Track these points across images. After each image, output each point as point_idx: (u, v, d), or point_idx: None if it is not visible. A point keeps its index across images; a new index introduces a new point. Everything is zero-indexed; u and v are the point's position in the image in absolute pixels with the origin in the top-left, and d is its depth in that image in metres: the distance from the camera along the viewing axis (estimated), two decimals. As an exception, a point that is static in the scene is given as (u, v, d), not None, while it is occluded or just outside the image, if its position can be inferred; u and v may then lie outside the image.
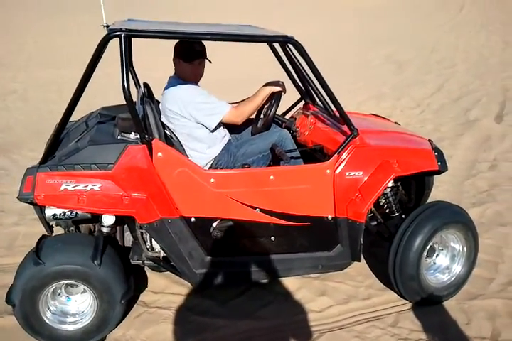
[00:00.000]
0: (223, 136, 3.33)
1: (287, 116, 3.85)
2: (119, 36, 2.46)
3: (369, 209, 3.03)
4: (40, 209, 2.79)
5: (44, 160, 2.69)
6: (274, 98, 3.32)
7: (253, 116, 3.41)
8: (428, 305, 3.18)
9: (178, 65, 3.19)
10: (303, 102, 3.81)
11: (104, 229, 2.87)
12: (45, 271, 2.56)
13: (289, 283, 3.43)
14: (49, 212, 2.78)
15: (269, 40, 3.03)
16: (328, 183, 2.95)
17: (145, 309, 3.15)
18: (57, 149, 2.80)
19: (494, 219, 4.32)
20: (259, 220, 2.91)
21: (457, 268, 3.22)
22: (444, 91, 8.48)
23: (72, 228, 2.95)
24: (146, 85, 3.49)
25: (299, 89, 3.75)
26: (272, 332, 2.96)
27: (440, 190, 4.73)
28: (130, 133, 2.76)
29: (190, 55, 3.12)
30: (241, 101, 3.33)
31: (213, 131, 3.19)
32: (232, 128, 3.42)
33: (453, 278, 3.21)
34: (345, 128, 3.04)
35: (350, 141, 2.96)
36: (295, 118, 3.74)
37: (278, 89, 3.28)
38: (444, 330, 3.00)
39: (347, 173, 2.95)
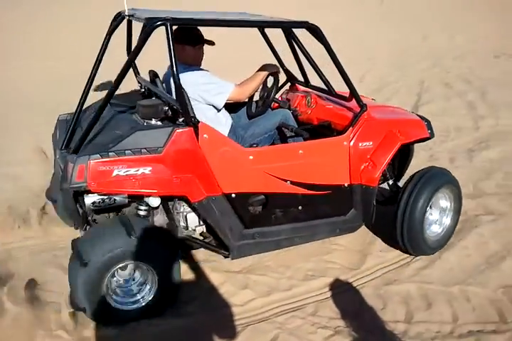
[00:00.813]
0: (227, 117, 3.52)
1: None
2: (165, 25, 2.69)
3: (380, 175, 3.46)
4: (75, 201, 2.88)
5: (77, 149, 2.77)
6: (273, 79, 3.58)
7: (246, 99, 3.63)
8: (427, 255, 3.74)
9: (182, 50, 3.28)
10: (289, 84, 4.19)
11: (142, 213, 3.02)
12: (95, 266, 2.67)
13: (213, 277, 3.45)
14: (88, 200, 2.82)
15: (293, 26, 3.40)
16: (345, 154, 3.37)
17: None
18: (88, 138, 2.83)
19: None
20: (290, 192, 3.25)
21: (447, 221, 3.81)
22: (365, 83, 8.74)
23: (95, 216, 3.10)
24: (154, 73, 3.63)
25: (286, 72, 4.09)
26: (196, 328, 2.96)
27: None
28: (151, 120, 2.91)
29: (194, 40, 3.37)
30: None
31: (219, 111, 3.37)
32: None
33: (444, 230, 3.80)
34: (350, 104, 3.48)
35: (361, 115, 3.36)
36: (289, 99, 4.07)
37: (275, 69, 3.54)
38: (361, 316, 3.13)
39: (360, 144, 3.38)
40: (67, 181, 2.67)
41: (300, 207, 3.33)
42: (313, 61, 3.68)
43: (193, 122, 2.82)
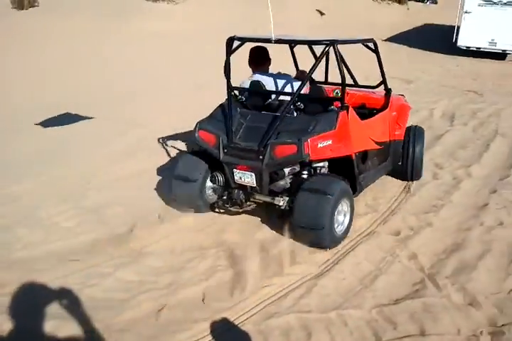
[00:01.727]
0: None
1: None
2: (333, 44, 4.31)
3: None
4: (261, 176, 4.23)
5: (264, 139, 4.14)
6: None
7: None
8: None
9: (265, 65, 5.05)
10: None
11: (305, 176, 4.48)
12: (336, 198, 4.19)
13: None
14: (286, 170, 4.34)
15: (358, 41, 4.99)
16: (389, 121, 5.22)
17: None
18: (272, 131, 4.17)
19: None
20: (373, 148, 4.95)
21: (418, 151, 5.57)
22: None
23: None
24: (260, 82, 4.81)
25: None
26: None
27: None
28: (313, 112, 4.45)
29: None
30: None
31: None
32: None
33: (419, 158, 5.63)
34: (372, 92, 5.59)
35: (390, 96, 5.29)
36: None
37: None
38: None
39: (393, 113, 5.30)
40: (298, 155, 4.03)
41: (375, 158, 5.05)
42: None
43: (346, 107, 4.36)
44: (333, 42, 4.28)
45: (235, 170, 4.34)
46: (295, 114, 4.55)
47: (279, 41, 4.41)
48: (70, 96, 10.36)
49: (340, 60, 4.42)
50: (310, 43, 5.14)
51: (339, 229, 4.36)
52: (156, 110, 9.08)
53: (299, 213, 4.13)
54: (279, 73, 5.08)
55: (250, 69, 5.13)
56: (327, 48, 4.43)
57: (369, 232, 4.67)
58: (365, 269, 4.07)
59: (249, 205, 4.68)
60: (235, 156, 4.27)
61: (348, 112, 4.34)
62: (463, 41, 16.40)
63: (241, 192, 4.47)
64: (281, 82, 4.88)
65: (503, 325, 3.39)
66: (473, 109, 9.24)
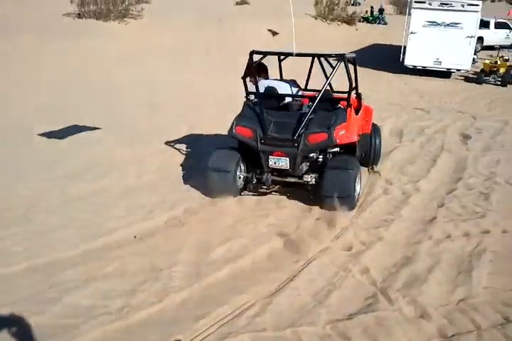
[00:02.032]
0: None
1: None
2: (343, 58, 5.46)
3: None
4: (295, 160, 5.31)
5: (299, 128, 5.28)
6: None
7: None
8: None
9: (266, 74, 6.12)
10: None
11: (321, 159, 5.65)
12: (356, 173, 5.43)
13: None
14: (313, 155, 5.51)
15: (336, 57, 5.60)
16: (363, 114, 6.34)
17: None
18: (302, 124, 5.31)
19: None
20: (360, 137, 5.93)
21: (378, 143, 6.91)
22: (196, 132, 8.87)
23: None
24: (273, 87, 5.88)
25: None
26: None
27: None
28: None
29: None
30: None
31: None
32: None
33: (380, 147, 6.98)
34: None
35: (361, 97, 6.35)
36: None
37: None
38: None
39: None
40: (329, 141, 5.23)
41: (359, 145, 5.84)
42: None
43: (350, 105, 5.58)
44: (343, 56, 5.40)
45: (270, 156, 5.35)
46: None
47: (298, 54, 5.52)
48: None
49: (347, 71, 5.41)
50: (325, 56, 6.00)
51: (356, 194, 5.48)
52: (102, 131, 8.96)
53: (329, 186, 5.20)
54: (285, 80, 6.26)
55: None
56: (339, 62, 5.44)
57: (322, 248, 4.71)
58: (318, 285, 4.11)
59: (274, 187, 5.80)
60: (271, 145, 5.30)
61: (351, 109, 5.56)
62: (409, 60, 17.00)
63: (269, 175, 5.51)
64: (288, 87, 5.99)
65: (452, 336, 3.49)
66: (420, 125, 9.55)
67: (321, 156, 5.63)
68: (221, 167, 5.44)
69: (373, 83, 15.26)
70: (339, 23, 28.33)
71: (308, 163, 5.60)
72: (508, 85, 15.57)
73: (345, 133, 5.33)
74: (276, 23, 26.44)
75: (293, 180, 5.57)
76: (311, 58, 6.28)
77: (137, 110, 10.56)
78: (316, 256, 4.58)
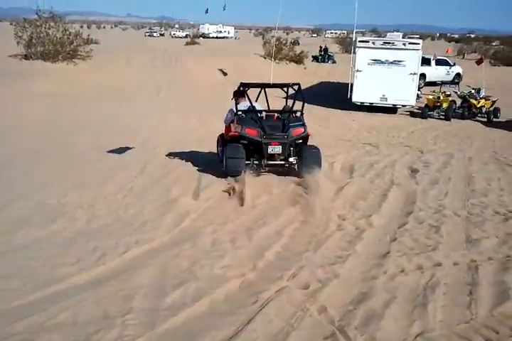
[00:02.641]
0: None
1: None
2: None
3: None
4: (285, 147, 8.03)
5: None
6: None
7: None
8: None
9: (245, 98, 8.46)
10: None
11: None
12: None
13: None
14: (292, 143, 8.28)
15: (285, 86, 8.81)
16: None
17: None
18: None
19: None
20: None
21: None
22: (146, 173, 8.78)
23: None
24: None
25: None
26: None
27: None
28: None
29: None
30: None
31: None
32: None
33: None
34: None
35: (303, 115, 8.48)
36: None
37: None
38: None
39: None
40: (304, 133, 8.19)
41: None
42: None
43: (302, 114, 8.34)
44: (292, 84, 8.63)
45: (269, 146, 7.91)
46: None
47: (274, 85, 9.25)
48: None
49: (300, 95, 8.23)
50: (286, 86, 8.90)
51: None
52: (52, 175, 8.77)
53: (308, 161, 7.91)
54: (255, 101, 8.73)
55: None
56: (288, 88, 8.87)
57: (279, 288, 4.68)
58: (277, 326, 4.04)
59: (267, 169, 8.18)
60: (269, 139, 7.90)
61: (303, 116, 8.38)
62: (357, 97, 17.60)
63: (265, 161, 8.05)
64: (260, 106, 8.70)
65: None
66: (369, 161, 9.81)
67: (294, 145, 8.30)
68: (238, 157, 7.85)
69: (323, 120, 15.68)
70: (287, 62, 29.15)
71: (290, 150, 8.16)
72: (452, 119, 16.28)
73: (307, 128, 8.20)
74: (225, 62, 26.99)
75: (282, 162, 8.20)
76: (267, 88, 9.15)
77: (87, 152, 10.42)
78: (273, 296, 4.53)
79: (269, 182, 7.75)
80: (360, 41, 17.69)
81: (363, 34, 29.26)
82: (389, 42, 17.29)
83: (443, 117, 16.52)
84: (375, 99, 17.44)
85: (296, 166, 8.15)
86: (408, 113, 17.68)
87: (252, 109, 8.18)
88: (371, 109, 17.62)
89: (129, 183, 8.12)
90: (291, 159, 8.09)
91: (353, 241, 5.82)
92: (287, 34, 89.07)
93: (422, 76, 22.48)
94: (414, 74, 17.11)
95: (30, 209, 6.84)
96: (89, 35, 32.66)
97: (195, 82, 23.95)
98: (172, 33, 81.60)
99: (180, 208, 6.89)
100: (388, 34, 19.98)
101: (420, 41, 17.82)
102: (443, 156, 10.47)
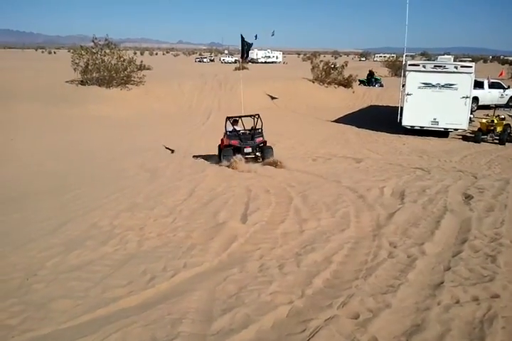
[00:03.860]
0: None
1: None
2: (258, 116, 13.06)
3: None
4: (253, 149, 12.52)
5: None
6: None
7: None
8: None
9: (238, 123, 13.10)
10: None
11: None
12: None
13: None
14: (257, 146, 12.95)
15: (251, 116, 13.05)
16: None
17: None
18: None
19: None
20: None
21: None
22: (194, 196, 8.87)
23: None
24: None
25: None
26: None
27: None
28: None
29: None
30: None
31: None
32: None
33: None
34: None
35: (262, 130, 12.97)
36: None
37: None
38: None
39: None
40: (263, 140, 12.62)
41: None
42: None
43: (262, 130, 12.80)
44: (257, 114, 12.74)
45: (245, 148, 12.02)
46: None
47: (243, 116, 13.12)
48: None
49: (260, 121, 12.54)
50: (249, 116, 13.00)
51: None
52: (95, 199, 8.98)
53: (266, 154, 12.15)
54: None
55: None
56: (256, 117, 12.78)
57: (328, 317, 4.56)
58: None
59: (244, 160, 11.78)
60: (244, 144, 12.06)
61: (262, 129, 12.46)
62: (407, 121, 17.35)
63: (242, 156, 11.79)
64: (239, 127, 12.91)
65: None
66: (421, 186, 9.56)
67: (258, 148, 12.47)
68: (228, 155, 11.99)
69: (372, 143, 15.50)
70: (336, 86, 29.15)
71: (259, 150, 12.39)
72: (507, 143, 15.78)
73: (264, 138, 12.49)
74: (273, 86, 27.24)
75: (252, 156, 12.31)
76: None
77: (138, 175, 10.65)
78: (322, 325, 4.42)
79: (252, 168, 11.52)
80: (410, 65, 17.51)
81: (413, 57, 29.03)
82: (440, 66, 17.04)
83: (497, 141, 16.04)
84: (425, 123, 17.15)
85: (260, 157, 12.52)
86: (460, 137, 17.26)
87: (234, 130, 12.60)
88: (422, 132, 17.32)
89: (178, 206, 8.23)
90: (257, 154, 12.52)
91: (405, 269, 5.63)
92: (335, 58, 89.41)
93: (475, 99, 21.99)
94: (467, 97, 16.75)
95: (83, 230, 7.02)
96: (142, 61, 33.84)
97: (243, 105, 24.30)
98: (221, 58, 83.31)
99: (228, 232, 6.89)
100: (439, 57, 19.68)
101: (472, 64, 17.48)
102: (498, 182, 10.10)
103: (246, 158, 12.05)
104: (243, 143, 12.19)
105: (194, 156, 13.33)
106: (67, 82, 25.44)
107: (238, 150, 12.13)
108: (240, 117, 13.09)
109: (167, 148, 14.50)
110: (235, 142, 12.16)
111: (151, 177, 10.56)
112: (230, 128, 12.66)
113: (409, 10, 19.17)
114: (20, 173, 11.13)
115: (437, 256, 6.05)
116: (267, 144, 12.62)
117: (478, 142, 16.13)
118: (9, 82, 23.66)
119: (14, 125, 16.97)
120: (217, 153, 13.04)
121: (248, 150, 12.21)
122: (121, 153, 13.42)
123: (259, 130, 12.58)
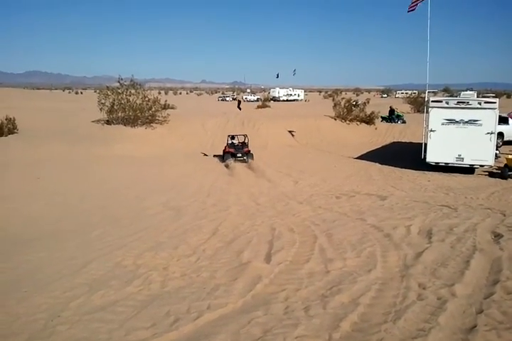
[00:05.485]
0: None
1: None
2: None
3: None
4: (243, 155, 20.36)
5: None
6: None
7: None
8: None
9: (238, 137, 21.87)
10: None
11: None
12: None
13: None
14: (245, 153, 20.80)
15: (244, 135, 21.83)
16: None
17: None
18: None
19: None
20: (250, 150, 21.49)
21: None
22: (218, 235, 8.83)
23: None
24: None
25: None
26: None
27: None
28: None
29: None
30: None
31: None
32: None
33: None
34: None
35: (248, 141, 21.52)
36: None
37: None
38: None
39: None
40: (247, 150, 20.58)
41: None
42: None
43: (247, 143, 21.37)
44: (245, 134, 21.75)
45: (237, 154, 19.90)
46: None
47: (239, 135, 21.84)
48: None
49: (247, 138, 21.27)
50: (242, 134, 21.67)
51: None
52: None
53: (248, 158, 19.75)
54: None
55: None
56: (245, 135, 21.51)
57: (357, 362, 4.41)
58: None
59: (236, 160, 19.48)
60: (237, 152, 19.98)
61: (248, 143, 20.67)
62: (431, 157, 17.19)
63: (235, 159, 19.56)
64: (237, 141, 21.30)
65: None
66: (448, 224, 9.36)
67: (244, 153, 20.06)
68: (227, 158, 19.35)
69: (396, 180, 15.35)
70: (358, 122, 29.25)
71: (245, 155, 19.68)
72: (534, 180, 15.46)
73: (250, 148, 20.02)
74: (294, 124, 27.44)
75: (241, 158, 19.52)
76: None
77: (161, 214, 10.68)
78: (350, 371, 4.27)
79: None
80: (433, 101, 17.48)
81: (435, 94, 29.00)
82: (463, 102, 16.97)
83: (525, 177, 15.74)
84: (450, 159, 16.96)
85: (246, 160, 19.26)
86: (486, 173, 16.98)
87: (232, 143, 20.29)
88: (447, 169, 17.13)
89: (201, 245, 8.19)
90: (244, 157, 19.36)
91: (435, 312, 5.45)
92: (357, 95, 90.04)
93: (500, 135, 21.76)
94: (492, 133, 16.57)
95: (108, 270, 7.01)
96: (166, 100, 34.55)
97: (265, 143, 24.46)
98: (244, 97, 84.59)
99: (252, 272, 6.80)
100: (462, 93, 19.64)
101: (496, 100, 17.38)
102: (528, 219, 9.84)
103: (238, 160, 19.49)
104: (236, 151, 19.88)
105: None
106: (93, 121, 26.03)
107: (233, 155, 19.72)
108: (236, 135, 21.25)
109: (204, 154, 22.27)
110: (231, 150, 19.90)
111: (175, 216, 10.57)
112: (230, 141, 20.67)
113: (430, 46, 19.30)
114: (47, 212, 11.26)
115: (468, 297, 5.85)
116: (251, 152, 20.14)
117: (505, 178, 15.84)
118: (38, 123, 24.32)
119: (41, 164, 17.31)
120: (221, 156, 20.50)
121: (239, 155, 19.71)
122: (144, 191, 13.53)
123: (246, 143, 20.62)
